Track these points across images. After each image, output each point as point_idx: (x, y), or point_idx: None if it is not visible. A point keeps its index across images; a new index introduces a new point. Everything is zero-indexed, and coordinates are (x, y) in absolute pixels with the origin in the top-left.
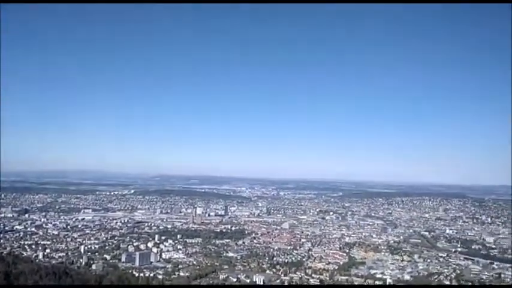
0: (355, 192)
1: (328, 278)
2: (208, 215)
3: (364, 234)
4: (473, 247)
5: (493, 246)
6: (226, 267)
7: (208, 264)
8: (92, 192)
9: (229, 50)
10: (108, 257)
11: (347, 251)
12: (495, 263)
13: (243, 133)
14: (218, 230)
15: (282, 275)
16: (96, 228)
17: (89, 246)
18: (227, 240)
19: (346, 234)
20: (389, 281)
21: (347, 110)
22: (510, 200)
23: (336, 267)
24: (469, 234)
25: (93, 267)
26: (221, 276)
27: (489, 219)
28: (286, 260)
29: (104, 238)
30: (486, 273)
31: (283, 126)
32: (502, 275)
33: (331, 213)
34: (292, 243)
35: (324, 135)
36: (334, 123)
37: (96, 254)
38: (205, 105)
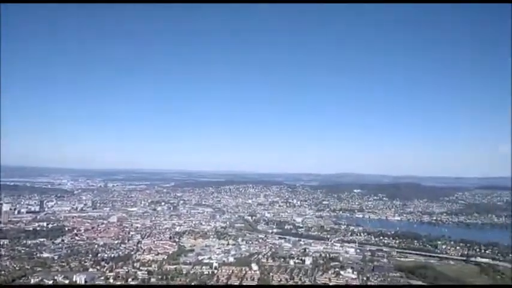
0: (187, 182)
1: (156, 269)
2: (19, 212)
3: (194, 222)
4: (286, 227)
5: (301, 225)
6: (39, 269)
7: (17, 268)
8: None
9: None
10: None
11: (177, 240)
12: (302, 239)
13: (66, 120)
14: (31, 229)
15: (107, 271)
16: None
17: None
18: (42, 240)
19: (177, 223)
20: (215, 265)
21: (178, 103)
22: (315, 185)
23: (165, 257)
24: (283, 216)
25: None
26: (33, 280)
27: (299, 203)
28: (112, 255)
29: None
30: (295, 249)
31: (113, 115)
32: (307, 250)
33: (163, 203)
34: (120, 237)
35: (156, 124)
36: (163, 114)
37: None
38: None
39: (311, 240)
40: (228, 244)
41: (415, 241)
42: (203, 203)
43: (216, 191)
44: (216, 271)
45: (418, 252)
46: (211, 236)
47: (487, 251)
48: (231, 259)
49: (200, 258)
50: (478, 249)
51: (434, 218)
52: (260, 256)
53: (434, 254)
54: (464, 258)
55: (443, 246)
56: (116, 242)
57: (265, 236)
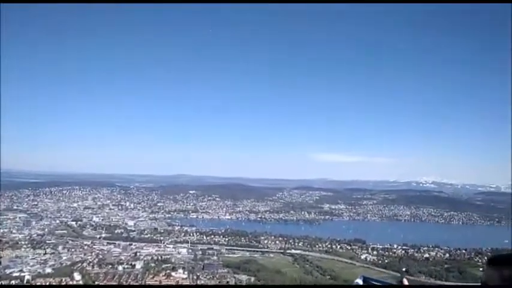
0: None
1: None
2: None
3: (2, 230)
4: (116, 231)
5: (133, 229)
6: None
7: None
8: None
9: None
10: None
11: None
12: (134, 243)
13: None
14: None
15: None
16: None
17: None
18: None
19: None
20: (27, 277)
21: None
22: (150, 187)
23: None
24: (114, 220)
25: None
26: None
27: (132, 205)
28: None
29: None
30: (125, 254)
31: None
32: (138, 254)
33: None
34: None
35: None
36: None
37: None
38: None
39: (143, 244)
40: (45, 253)
41: (242, 238)
42: (15, 207)
43: (34, 193)
44: (28, 285)
45: (244, 248)
46: (24, 246)
47: (299, 244)
48: (49, 270)
49: (8, 271)
50: (292, 242)
51: (260, 216)
52: (84, 264)
53: (257, 249)
54: (282, 251)
55: (266, 241)
56: None
57: (92, 242)
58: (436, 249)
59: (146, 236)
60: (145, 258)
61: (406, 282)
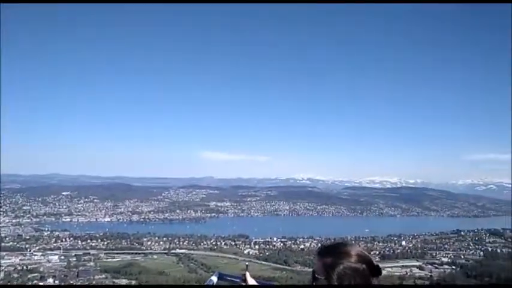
0: None
1: None
2: None
3: None
4: None
5: None
6: None
7: None
8: None
9: None
10: None
11: None
12: None
13: None
14: None
15: None
16: None
17: None
18: None
19: None
20: None
21: None
22: (15, 188)
23: None
24: None
25: None
26: None
27: None
28: None
29: None
30: None
31: None
32: None
33: None
34: None
35: None
36: None
37: None
38: None
39: (4, 253)
40: None
41: (123, 241)
42: None
43: None
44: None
45: (125, 251)
46: None
47: (184, 243)
48: None
49: None
50: (177, 242)
51: (143, 216)
52: None
53: (140, 251)
54: (166, 252)
55: (149, 243)
56: None
57: None
58: (310, 239)
59: (8, 244)
60: (6, 269)
61: (248, 275)
